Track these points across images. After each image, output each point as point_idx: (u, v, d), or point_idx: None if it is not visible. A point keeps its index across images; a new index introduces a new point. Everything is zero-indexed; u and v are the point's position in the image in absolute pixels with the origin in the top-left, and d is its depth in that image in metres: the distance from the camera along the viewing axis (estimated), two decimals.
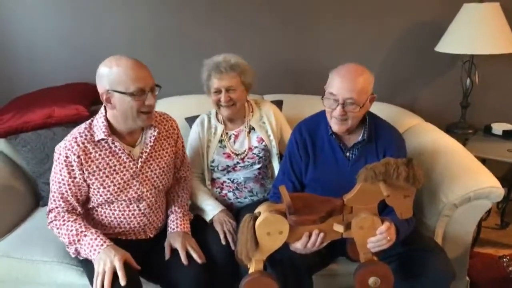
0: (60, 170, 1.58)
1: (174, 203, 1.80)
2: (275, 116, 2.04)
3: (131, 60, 1.53)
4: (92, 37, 2.53)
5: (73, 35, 2.53)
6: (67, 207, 1.60)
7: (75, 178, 1.58)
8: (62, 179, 1.58)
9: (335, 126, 1.63)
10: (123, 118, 1.57)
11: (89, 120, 1.65)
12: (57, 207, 1.60)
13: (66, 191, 1.59)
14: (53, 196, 1.61)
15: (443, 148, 1.99)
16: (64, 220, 1.57)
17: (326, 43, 2.61)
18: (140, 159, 1.65)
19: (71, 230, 1.55)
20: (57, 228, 1.58)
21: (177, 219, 1.74)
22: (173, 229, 1.71)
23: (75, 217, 1.59)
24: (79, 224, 1.57)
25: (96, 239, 1.52)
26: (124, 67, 1.50)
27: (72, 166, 1.57)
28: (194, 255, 1.60)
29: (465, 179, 1.76)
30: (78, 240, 1.54)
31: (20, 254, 1.79)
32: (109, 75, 1.50)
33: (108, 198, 1.62)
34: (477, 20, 2.29)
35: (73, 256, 1.61)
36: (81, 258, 1.61)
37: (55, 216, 1.59)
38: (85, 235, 1.53)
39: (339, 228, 1.43)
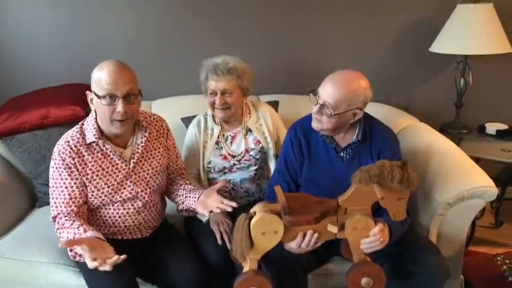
0: (60, 175, 1.57)
1: (180, 189, 1.79)
2: (272, 118, 2.05)
3: (114, 64, 1.52)
4: (89, 37, 2.53)
5: (70, 36, 2.53)
6: (71, 210, 1.57)
7: (76, 179, 1.57)
8: (64, 183, 1.57)
9: (312, 122, 1.65)
10: (101, 121, 1.58)
11: (80, 123, 1.64)
12: (59, 214, 1.57)
13: (70, 194, 1.57)
14: (55, 203, 1.58)
15: (437, 148, 2.00)
16: (66, 227, 1.53)
17: (322, 44, 2.62)
18: (132, 160, 1.65)
19: (70, 233, 1.50)
20: (60, 234, 1.54)
21: (193, 193, 1.73)
22: (195, 200, 1.69)
23: (81, 221, 1.55)
24: (73, 228, 1.50)
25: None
26: (105, 69, 1.50)
27: (70, 168, 1.57)
28: (229, 204, 1.57)
29: (459, 178, 1.78)
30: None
31: (17, 255, 1.79)
32: (93, 76, 1.53)
33: (103, 200, 1.62)
34: (471, 21, 2.31)
35: (71, 258, 1.56)
36: (82, 261, 1.52)
37: (62, 224, 1.54)
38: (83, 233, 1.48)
39: (333, 228, 1.44)
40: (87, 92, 1.56)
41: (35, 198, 2.21)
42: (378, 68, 2.67)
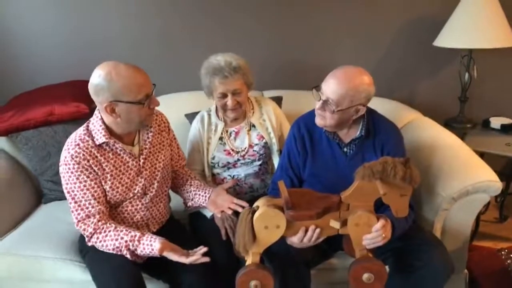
0: (77, 179, 1.55)
1: (191, 186, 1.87)
2: (275, 113, 2.05)
3: (130, 68, 1.50)
4: (93, 34, 2.54)
5: (73, 33, 2.54)
6: (99, 210, 1.56)
7: (96, 179, 1.57)
8: (84, 185, 1.55)
9: (315, 119, 1.66)
10: (127, 124, 1.57)
11: (84, 126, 1.62)
12: (87, 215, 1.56)
13: (93, 194, 1.56)
14: (79, 206, 1.56)
15: (442, 142, 2.00)
16: (105, 231, 1.55)
17: (325, 39, 2.61)
18: (141, 156, 1.66)
19: (117, 239, 1.54)
20: (100, 242, 1.56)
21: (202, 190, 1.83)
22: (205, 199, 1.80)
23: (114, 224, 1.57)
24: (121, 231, 1.55)
25: (149, 239, 1.54)
26: (126, 76, 1.48)
27: (87, 170, 1.55)
28: (239, 203, 1.73)
29: (464, 173, 1.77)
30: (135, 247, 1.54)
31: (23, 251, 1.80)
32: (110, 86, 1.47)
33: (118, 198, 1.62)
34: (475, 14, 2.29)
35: (129, 258, 1.56)
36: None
37: (94, 229, 1.55)
38: (138, 241, 1.53)
39: (335, 224, 1.45)
40: (106, 105, 1.50)
41: (41, 194, 2.23)
42: (382, 62, 2.66)
